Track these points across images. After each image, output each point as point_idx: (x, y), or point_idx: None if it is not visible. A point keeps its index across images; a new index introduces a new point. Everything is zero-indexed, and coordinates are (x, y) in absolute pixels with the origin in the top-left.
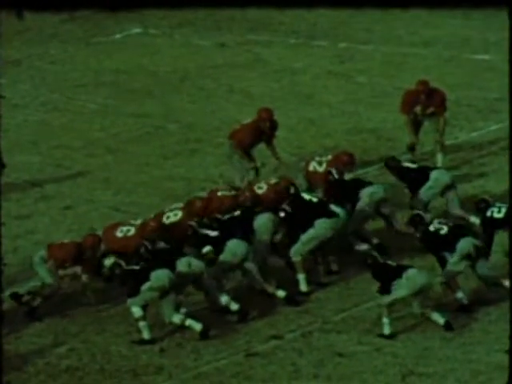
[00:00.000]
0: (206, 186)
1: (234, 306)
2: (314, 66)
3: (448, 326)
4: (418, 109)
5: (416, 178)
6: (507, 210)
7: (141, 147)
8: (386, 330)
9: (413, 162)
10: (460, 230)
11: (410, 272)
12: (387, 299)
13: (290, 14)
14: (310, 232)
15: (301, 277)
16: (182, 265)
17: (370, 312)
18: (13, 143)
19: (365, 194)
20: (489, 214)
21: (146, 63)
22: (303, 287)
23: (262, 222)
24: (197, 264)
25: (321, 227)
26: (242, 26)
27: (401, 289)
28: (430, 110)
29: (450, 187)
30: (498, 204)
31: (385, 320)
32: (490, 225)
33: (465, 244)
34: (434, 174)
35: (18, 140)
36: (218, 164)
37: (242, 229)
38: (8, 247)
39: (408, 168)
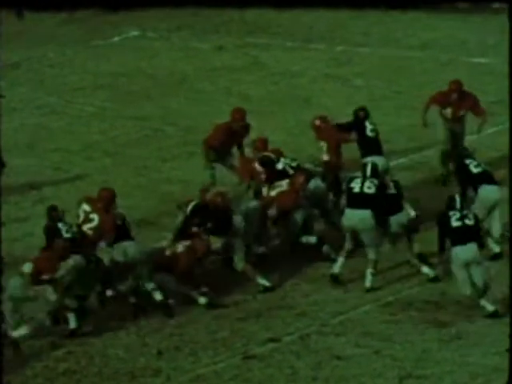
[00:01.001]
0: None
1: (159, 296)
2: (311, 69)
3: (434, 279)
4: (448, 111)
5: None
6: (483, 170)
7: (139, 150)
8: None
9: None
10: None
11: None
12: None
13: (288, 16)
14: None
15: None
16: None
17: (368, 315)
18: (11, 146)
19: None
20: (467, 162)
21: (144, 66)
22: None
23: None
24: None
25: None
26: (239, 29)
27: None
28: (461, 112)
29: None
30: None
31: None
32: (463, 174)
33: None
34: None
35: (16, 143)
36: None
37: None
38: (6, 250)
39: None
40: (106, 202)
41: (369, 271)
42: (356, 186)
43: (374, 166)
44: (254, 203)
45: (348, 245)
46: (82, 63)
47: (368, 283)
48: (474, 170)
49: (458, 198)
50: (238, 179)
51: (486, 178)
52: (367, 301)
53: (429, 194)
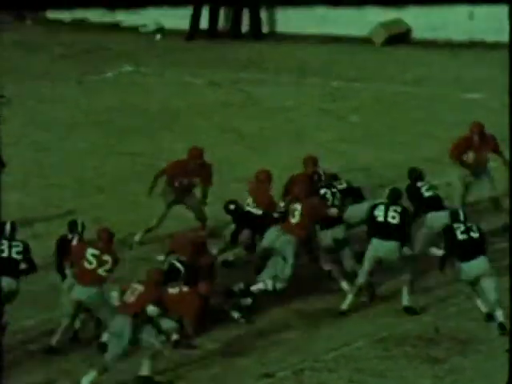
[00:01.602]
0: (195, 225)
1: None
2: (305, 104)
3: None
4: (470, 156)
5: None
6: (434, 195)
7: (132, 186)
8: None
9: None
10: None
11: None
12: None
13: (282, 51)
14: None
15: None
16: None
17: (361, 351)
18: (3, 182)
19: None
20: (418, 185)
21: (137, 102)
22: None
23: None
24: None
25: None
26: (233, 65)
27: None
28: (484, 154)
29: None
30: (432, 185)
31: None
32: (414, 197)
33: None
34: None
35: (9, 179)
36: (209, 203)
37: None
38: None
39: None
40: (109, 241)
41: (405, 289)
42: (380, 214)
43: (396, 192)
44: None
45: (361, 279)
46: (75, 99)
47: (406, 302)
48: (426, 194)
49: (461, 211)
50: (199, 219)
51: (436, 203)
52: (360, 336)
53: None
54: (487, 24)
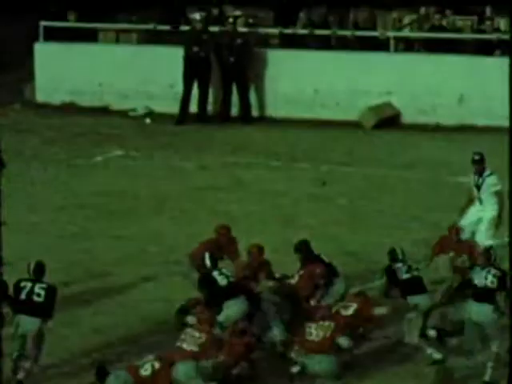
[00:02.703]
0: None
1: None
2: (295, 189)
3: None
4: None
5: None
6: (413, 277)
7: (122, 269)
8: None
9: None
10: None
11: None
12: None
13: (271, 135)
14: None
15: None
16: None
17: None
18: None
19: None
20: (396, 266)
21: (127, 186)
22: None
23: None
24: None
25: None
26: (223, 149)
27: None
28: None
29: None
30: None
31: None
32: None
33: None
34: None
35: None
36: None
37: None
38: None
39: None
40: None
41: (489, 364)
42: (479, 279)
43: (489, 253)
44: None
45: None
46: (65, 182)
47: (487, 377)
48: (403, 276)
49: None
50: None
51: (415, 285)
52: None
53: None
54: (477, 108)
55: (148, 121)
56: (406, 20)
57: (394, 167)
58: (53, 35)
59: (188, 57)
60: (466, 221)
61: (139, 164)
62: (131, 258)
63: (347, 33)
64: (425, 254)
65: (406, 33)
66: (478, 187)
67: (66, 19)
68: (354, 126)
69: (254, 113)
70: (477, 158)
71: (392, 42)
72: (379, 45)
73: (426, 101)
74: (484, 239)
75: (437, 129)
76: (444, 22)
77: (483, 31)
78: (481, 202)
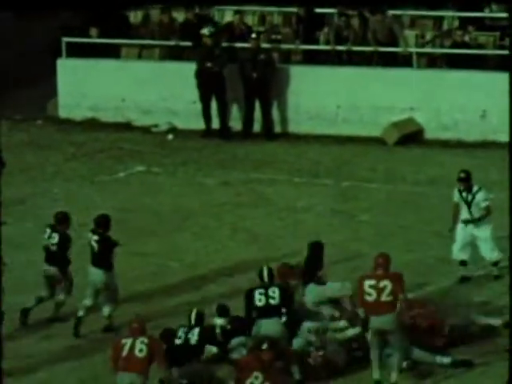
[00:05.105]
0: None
1: None
2: (317, 205)
3: None
4: None
5: None
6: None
7: (144, 286)
8: None
9: None
10: None
11: None
12: None
13: (293, 152)
14: None
15: None
16: None
17: None
18: (17, 283)
19: None
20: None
21: (149, 202)
22: None
23: None
24: None
25: None
26: (245, 165)
27: None
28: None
29: None
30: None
31: None
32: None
33: None
34: None
35: (23, 279)
36: (221, 301)
37: None
38: None
39: None
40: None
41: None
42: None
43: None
44: None
45: None
46: (87, 199)
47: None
48: (258, 303)
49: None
50: None
51: (269, 312)
52: None
53: None
54: (499, 124)
55: (170, 137)
56: (429, 36)
57: (416, 183)
58: (75, 51)
59: (200, 72)
60: (461, 243)
61: (161, 180)
62: (153, 274)
63: (370, 49)
64: (446, 271)
65: (428, 49)
66: (468, 203)
67: (87, 35)
68: (377, 141)
69: (277, 129)
70: (463, 175)
71: (415, 58)
72: (401, 61)
73: (449, 117)
74: (490, 255)
75: (459, 145)
76: (466, 38)
77: (506, 47)
78: (472, 217)
